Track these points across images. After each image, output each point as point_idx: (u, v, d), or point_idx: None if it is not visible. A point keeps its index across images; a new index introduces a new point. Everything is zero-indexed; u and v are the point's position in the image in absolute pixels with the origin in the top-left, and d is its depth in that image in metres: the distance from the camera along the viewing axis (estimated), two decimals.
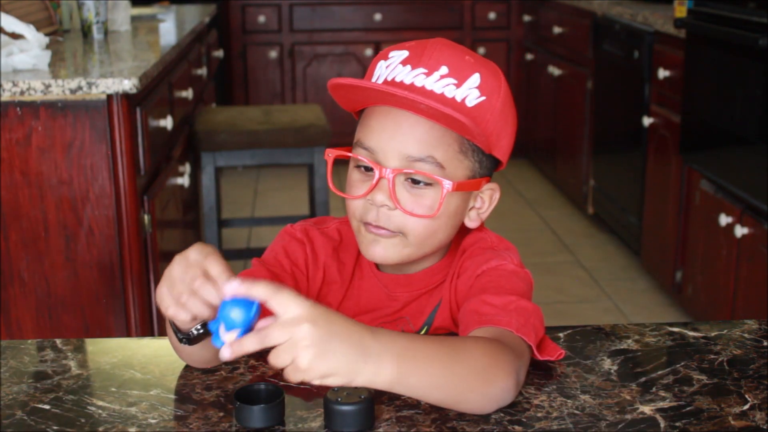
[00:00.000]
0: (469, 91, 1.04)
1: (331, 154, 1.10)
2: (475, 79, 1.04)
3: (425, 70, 1.04)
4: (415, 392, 0.90)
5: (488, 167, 1.10)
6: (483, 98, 1.05)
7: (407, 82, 1.04)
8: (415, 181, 1.06)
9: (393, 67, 1.06)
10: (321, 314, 0.84)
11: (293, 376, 0.83)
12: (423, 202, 1.06)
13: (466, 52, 1.07)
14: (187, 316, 0.90)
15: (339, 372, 0.84)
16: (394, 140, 1.04)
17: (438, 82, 1.04)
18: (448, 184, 1.04)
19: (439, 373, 0.89)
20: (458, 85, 1.04)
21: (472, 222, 1.13)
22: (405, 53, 1.06)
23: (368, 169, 1.07)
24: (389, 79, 1.06)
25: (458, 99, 1.04)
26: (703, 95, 2.99)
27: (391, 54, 1.08)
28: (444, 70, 1.04)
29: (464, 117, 1.00)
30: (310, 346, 0.82)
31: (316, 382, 0.84)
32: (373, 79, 1.08)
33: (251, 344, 0.83)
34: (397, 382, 0.87)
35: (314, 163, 3.13)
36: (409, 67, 1.05)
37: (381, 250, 1.08)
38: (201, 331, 0.95)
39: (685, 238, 3.18)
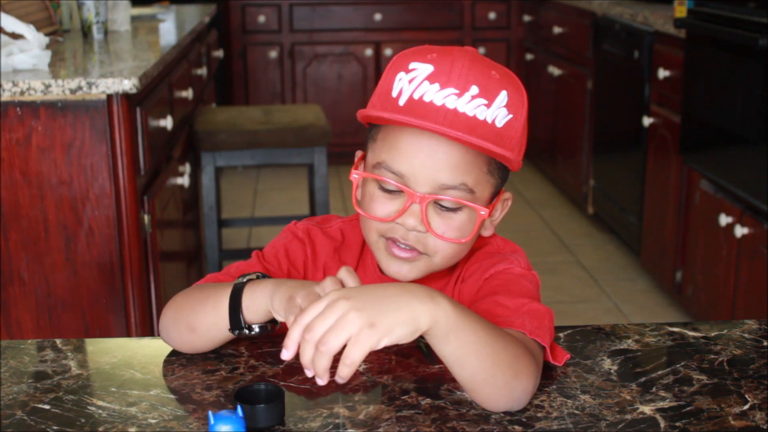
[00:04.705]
0: (498, 111, 1.01)
1: (357, 175, 1.07)
2: (503, 97, 1.01)
3: (456, 91, 0.99)
4: (461, 349, 0.90)
5: (505, 178, 1.10)
6: (511, 116, 1.02)
7: (437, 102, 1.00)
8: (445, 205, 1.04)
9: (418, 83, 1.01)
10: (351, 289, 0.89)
11: (360, 349, 0.83)
12: (453, 225, 1.05)
13: (492, 67, 1.03)
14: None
15: (402, 316, 0.85)
16: (427, 167, 1.02)
17: (469, 103, 1.00)
18: (483, 211, 1.04)
19: (483, 336, 0.90)
20: (488, 105, 1.00)
21: (487, 231, 1.12)
22: (429, 68, 1.01)
23: (394, 190, 1.05)
24: (416, 97, 1.01)
25: (489, 120, 1.00)
26: (703, 95, 2.99)
27: (413, 65, 1.02)
28: (474, 90, 1.00)
29: (507, 150, 1.00)
30: (359, 308, 0.84)
31: (384, 341, 0.84)
32: (394, 94, 1.03)
33: (295, 333, 0.85)
34: (454, 326, 0.88)
35: (314, 163, 3.13)
36: (437, 85, 1.00)
37: (406, 271, 1.08)
38: (266, 328, 1.03)
39: (685, 238, 3.18)
